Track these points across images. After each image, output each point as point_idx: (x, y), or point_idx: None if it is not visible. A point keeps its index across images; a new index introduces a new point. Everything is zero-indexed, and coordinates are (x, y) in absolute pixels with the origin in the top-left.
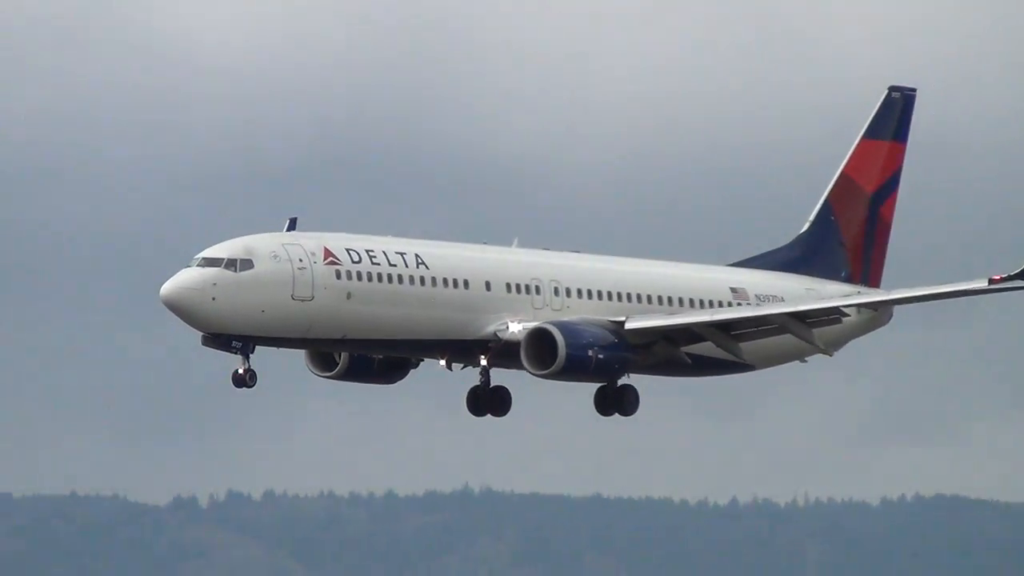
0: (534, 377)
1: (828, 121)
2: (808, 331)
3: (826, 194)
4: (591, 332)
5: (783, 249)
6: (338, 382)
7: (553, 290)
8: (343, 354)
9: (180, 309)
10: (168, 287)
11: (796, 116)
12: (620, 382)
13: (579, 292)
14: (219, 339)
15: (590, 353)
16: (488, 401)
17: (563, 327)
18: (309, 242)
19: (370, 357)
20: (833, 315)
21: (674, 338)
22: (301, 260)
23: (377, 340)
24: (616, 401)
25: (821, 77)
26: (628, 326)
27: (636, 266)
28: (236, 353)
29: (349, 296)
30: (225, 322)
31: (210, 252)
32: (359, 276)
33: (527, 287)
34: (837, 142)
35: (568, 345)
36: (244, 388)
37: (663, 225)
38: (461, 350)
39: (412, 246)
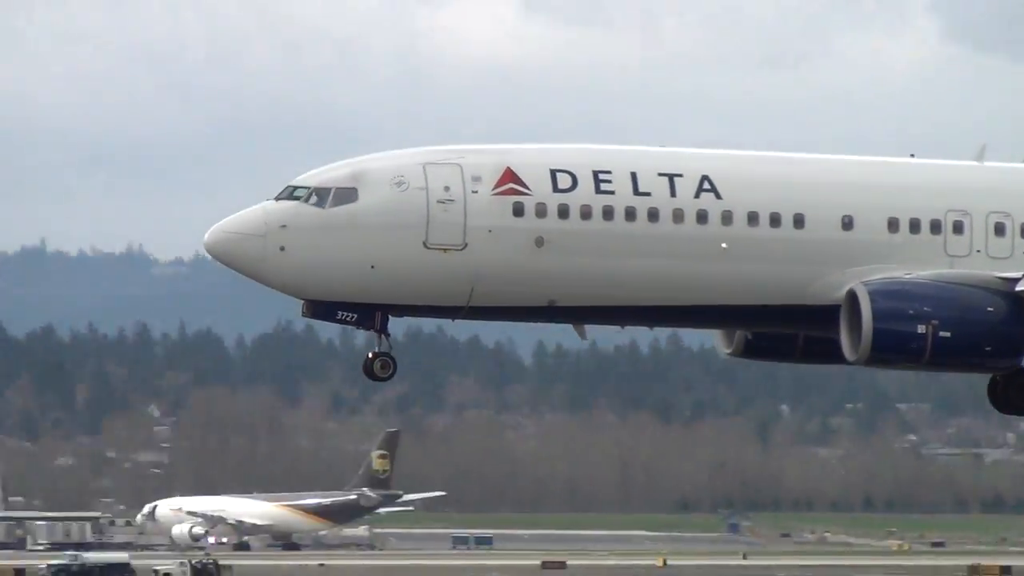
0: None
1: None
2: None
3: None
4: (935, 295)
5: None
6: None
7: (993, 226)
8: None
9: (229, 262)
10: (212, 231)
11: None
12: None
13: None
14: (318, 307)
15: (920, 329)
16: (1008, 392)
17: (881, 286)
18: (478, 159)
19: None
20: None
21: None
22: (448, 188)
23: (625, 308)
24: (1011, 393)
25: None
26: (1021, 287)
27: None
28: (356, 327)
29: (540, 243)
30: (303, 282)
31: (303, 178)
32: (562, 213)
33: (934, 223)
34: None
35: (879, 314)
36: (376, 381)
37: None
38: (805, 320)
39: (696, 160)
